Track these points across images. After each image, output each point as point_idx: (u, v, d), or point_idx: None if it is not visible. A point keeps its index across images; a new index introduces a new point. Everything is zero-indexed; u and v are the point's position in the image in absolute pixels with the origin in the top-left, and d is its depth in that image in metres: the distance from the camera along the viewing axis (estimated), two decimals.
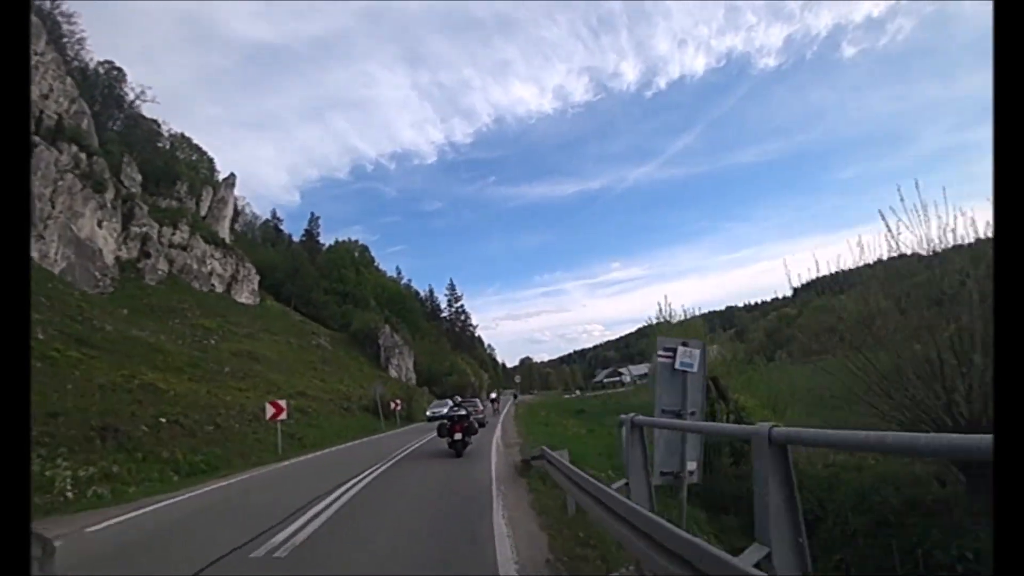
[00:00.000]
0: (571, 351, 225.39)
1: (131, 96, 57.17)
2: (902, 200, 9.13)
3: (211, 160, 67.57)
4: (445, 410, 22.98)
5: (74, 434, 10.85)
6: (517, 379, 52.17)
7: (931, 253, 8.96)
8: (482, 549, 4.91)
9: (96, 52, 57.08)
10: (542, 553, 4.81)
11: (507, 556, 4.65)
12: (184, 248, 48.27)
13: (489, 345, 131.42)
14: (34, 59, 39.04)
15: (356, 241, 76.88)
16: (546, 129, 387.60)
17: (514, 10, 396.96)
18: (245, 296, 53.34)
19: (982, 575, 5.57)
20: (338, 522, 6.27)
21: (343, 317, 60.59)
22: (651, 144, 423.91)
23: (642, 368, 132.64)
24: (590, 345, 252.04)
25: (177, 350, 24.28)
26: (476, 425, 15.08)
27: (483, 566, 4.41)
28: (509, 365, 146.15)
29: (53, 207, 34.29)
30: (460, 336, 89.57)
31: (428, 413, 27.04)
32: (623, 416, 5.38)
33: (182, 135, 67.54)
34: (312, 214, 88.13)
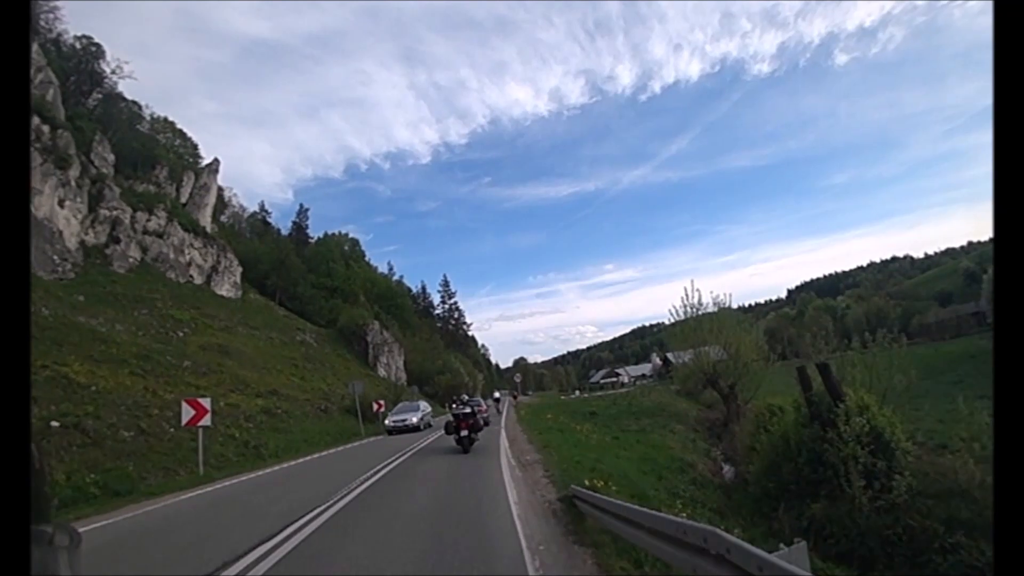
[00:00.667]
0: (565, 352, 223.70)
1: (108, 73, 53.23)
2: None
3: (195, 146, 64.52)
4: (413, 418, 22.72)
5: None
6: (518, 378, 46.56)
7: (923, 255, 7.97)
8: None
9: (75, 27, 53.73)
10: None
11: None
12: (160, 235, 45.13)
13: (483, 345, 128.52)
14: None
15: (346, 234, 73.67)
16: (541, 131, 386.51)
17: (512, 11, 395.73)
18: (226, 288, 50.18)
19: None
20: None
21: (330, 313, 57.57)
22: (646, 147, 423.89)
23: (641, 368, 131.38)
24: (584, 346, 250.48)
25: (129, 340, 21.24)
26: (482, 422, 15.41)
27: None
28: (503, 366, 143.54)
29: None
30: (454, 335, 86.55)
31: (389, 422, 22.50)
32: None
33: (165, 119, 64.35)
34: (301, 205, 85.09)
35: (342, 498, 7.87)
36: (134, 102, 61.18)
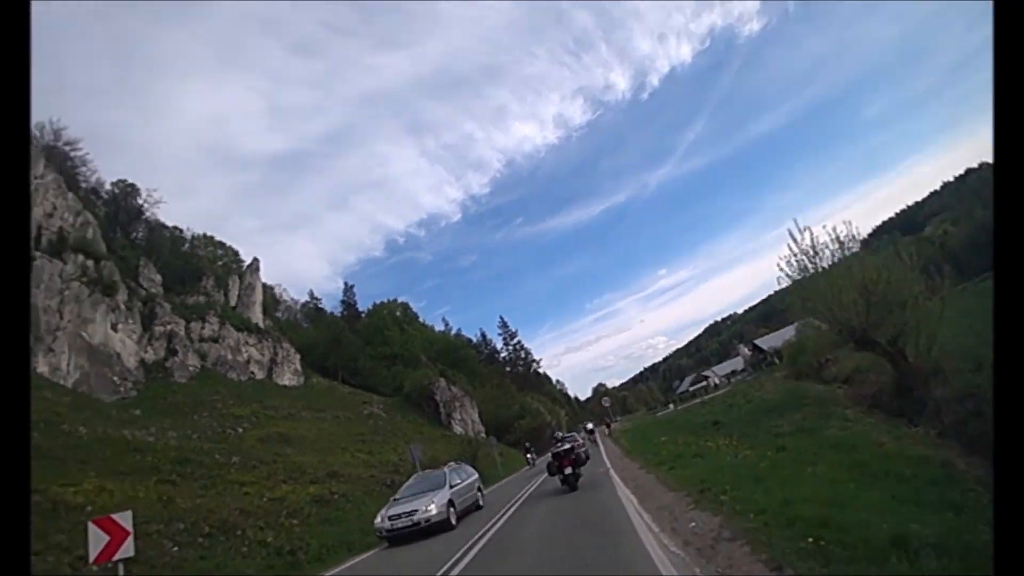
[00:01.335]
0: (641, 369, 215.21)
1: (144, 206, 56.26)
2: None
3: (236, 253, 66.47)
4: (432, 504, 12.46)
5: None
6: (607, 402, 39.98)
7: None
8: None
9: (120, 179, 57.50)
10: None
11: None
12: (215, 340, 45.55)
13: (558, 381, 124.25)
14: (35, 182, 38.05)
15: (395, 300, 73.30)
16: (556, 159, 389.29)
17: (493, 57, 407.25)
18: (287, 378, 49.91)
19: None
20: None
21: (394, 380, 56.21)
22: (662, 144, 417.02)
23: (730, 365, 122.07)
24: (659, 359, 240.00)
25: (173, 446, 19.88)
26: (584, 455, 14.45)
27: None
28: (582, 397, 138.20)
29: (61, 317, 31.88)
30: (525, 376, 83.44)
31: (385, 522, 12.62)
32: None
33: (204, 235, 67.08)
34: (345, 284, 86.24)
35: None
36: (175, 227, 64.52)
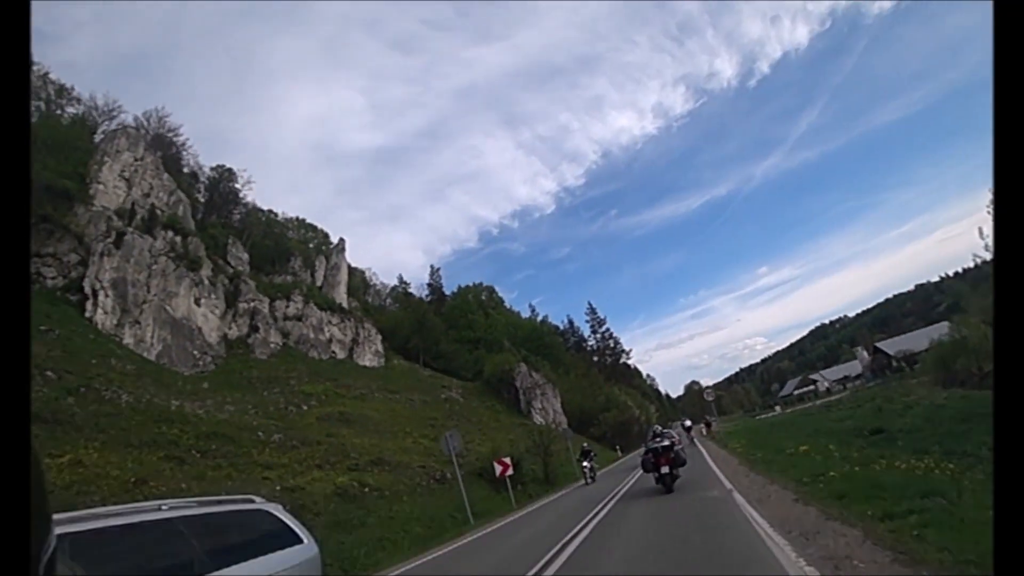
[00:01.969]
0: (736, 370, 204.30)
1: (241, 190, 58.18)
2: None
3: (326, 235, 67.69)
4: None
5: None
6: (709, 395, 30.53)
7: None
8: None
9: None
10: None
11: None
12: (299, 319, 45.69)
13: (648, 375, 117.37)
14: (135, 164, 39.66)
15: (480, 283, 71.34)
16: (654, 150, 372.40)
17: (591, 46, 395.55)
18: (368, 358, 49.31)
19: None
20: None
21: (475, 365, 54.09)
22: (770, 133, 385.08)
23: (841, 370, 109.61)
24: (757, 360, 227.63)
25: (208, 419, 18.25)
26: (683, 455, 13.68)
27: None
28: (673, 395, 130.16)
29: (148, 291, 32.47)
30: (613, 367, 78.40)
31: None
32: None
33: (296, 218, 68.99)
34: (432, 267, 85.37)
35: None
36: (269, 210, 66.86)
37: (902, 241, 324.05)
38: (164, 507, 4.11)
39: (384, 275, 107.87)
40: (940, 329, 73.09)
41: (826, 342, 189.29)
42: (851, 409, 23.95)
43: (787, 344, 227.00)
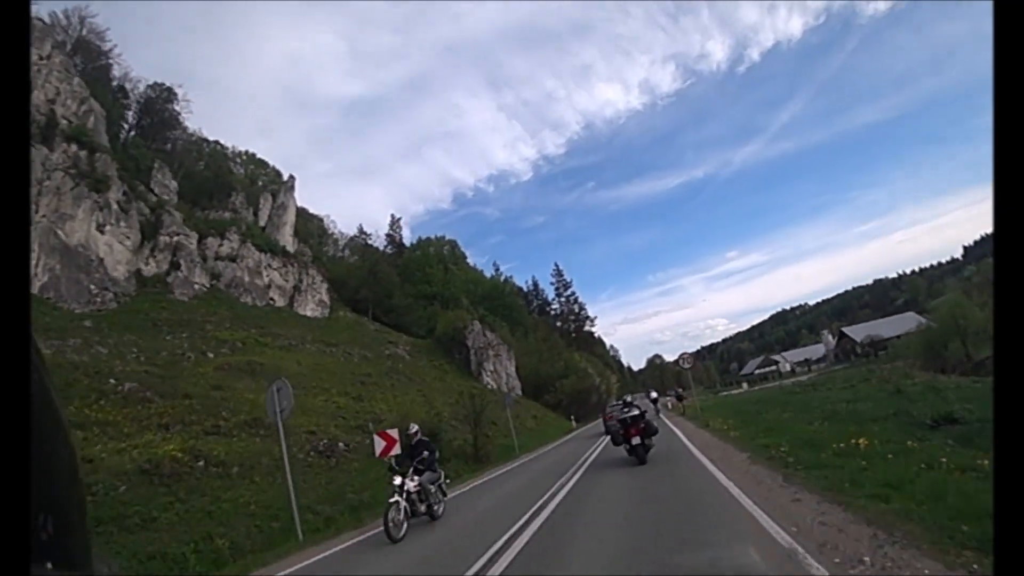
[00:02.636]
0: (697, 348, 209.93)
1: (181, 112, 52.23)
2: None
3: (277, 172, 62.35)
4: None
5: None
6: (687, 362, 23.89)
7: None
8: None
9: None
10: None
11: None
12: (233, 259, 41.22)
13: (611, 347, 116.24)
14: (38, 63, 33.93)
15: (443, 237, 67.29)
16: (638, 126, 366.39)
17: (586, 13, 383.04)
18: (310, 308, 45.41)
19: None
20: None
21: (429, 321, 50.71)
22: (753, 121, 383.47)
23: (804, 352, 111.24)
24: (717, 340, 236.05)
25: (74, 361, 14.45)
26: (654, 424, 12.77)
27: None
28: (635, 368, 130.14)
29: (36, 210, 27.69)
30: (576, 333, 76.04)
31: None
32: None
33: (246, 152, 63.32)
34: (392, 216, 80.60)
35: None
36: (216, 142, 60.82)
37: (864, 238, 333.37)
38: None
39: (350, 228, 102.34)
40: (907, 319, 73.84)
41: (786, 327, 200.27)
42: (846, 390, 21.28)
43: (748, 327, 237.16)
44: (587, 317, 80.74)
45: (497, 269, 76.38)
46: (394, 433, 11.01)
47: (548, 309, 76.95)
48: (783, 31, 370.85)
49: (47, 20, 39.76)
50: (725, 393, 52.37)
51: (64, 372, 13.65)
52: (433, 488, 9.06)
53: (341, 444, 14.59)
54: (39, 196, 28.06)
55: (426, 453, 9.18)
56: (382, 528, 7.81)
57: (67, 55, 38.79)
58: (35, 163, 28.69)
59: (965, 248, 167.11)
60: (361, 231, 77.26)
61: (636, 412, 12.37)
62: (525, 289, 76.27)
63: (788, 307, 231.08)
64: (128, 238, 32.87)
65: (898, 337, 53.53)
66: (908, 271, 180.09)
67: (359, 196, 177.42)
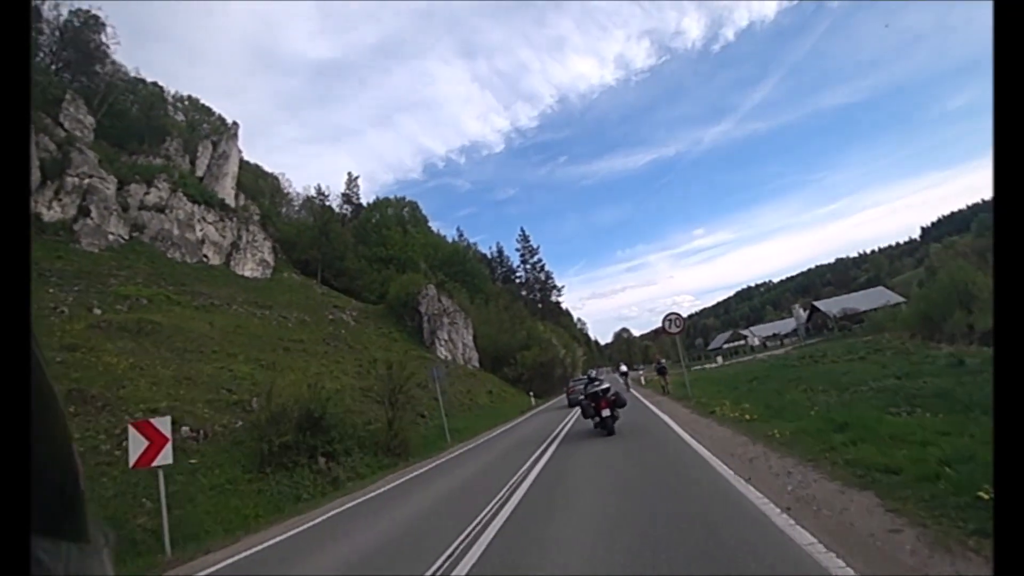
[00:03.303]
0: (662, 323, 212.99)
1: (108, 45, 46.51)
2: None
3: (222, 119, 57.14)
4: None
5: None
6: (675, 326, 19.84)
7: None
8: None
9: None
10: None
11: None
12: (160, 210, 37.07)
13: (579, 320, 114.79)
14: None
15: (403, 198, 63.44)
16: (611, 101, 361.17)
17: None
18: (250, 268, 41.67)
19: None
20: None
21: (383, 286, 47.50)
22: (725, 101, 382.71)
23: (772, 327, 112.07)
24: (683, 315, 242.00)
25: None
26: (623, 397, 13.32)
27: None
28: (602, 342, 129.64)
29: None
30: (542, 303, 73.75)
31: None
32: None
33: (188, 97, 57.77)
34: (349, 174, 75.89)
35: None
36: (154, 82, 55.10)
37: (827, 218, 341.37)
38: None
39: (312, 191, 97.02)
40: (878, 293, 74.40)
41: (750, 303, 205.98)
42: (850, 363, 19.20)
43: (713, 303, 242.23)
44: (554, 286, 78.49)
45: (461, 234, 73.09)
46: (164, 426, 7.77)
47: (513, 277, 74.33)
48: (757, 12, 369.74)
49: None
50: (699, 367, 50.84)
51: None
52: None
53: (186, 428, 11.46)
54: None
55: None
56: None
57: None
58: None
59: (923, 229, 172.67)
60: (319, 191, 72.68)
61: (604, 386, 13.20)
62: (489, 256, 73.33)
63: (753, 284, 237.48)
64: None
65: (875, 310, 54.04)
66: (868, 251, 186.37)
67: (328, 163, 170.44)
